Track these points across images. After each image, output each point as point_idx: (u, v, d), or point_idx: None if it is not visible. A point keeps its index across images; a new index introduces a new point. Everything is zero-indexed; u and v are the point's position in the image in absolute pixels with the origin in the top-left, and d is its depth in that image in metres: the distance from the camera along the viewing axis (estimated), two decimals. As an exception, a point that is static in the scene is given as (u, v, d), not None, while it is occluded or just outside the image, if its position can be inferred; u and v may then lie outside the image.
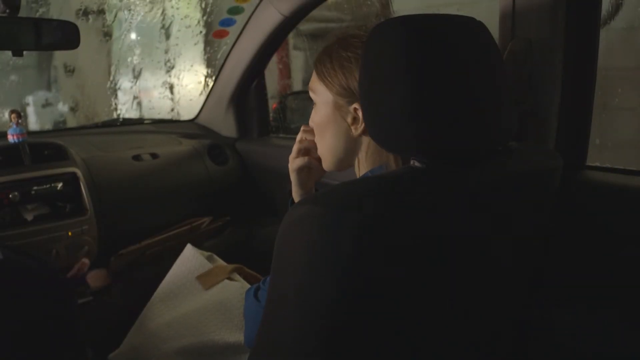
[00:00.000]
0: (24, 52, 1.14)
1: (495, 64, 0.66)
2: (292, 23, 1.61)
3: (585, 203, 0.91)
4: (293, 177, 0.88)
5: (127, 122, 2.05)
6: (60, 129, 1.77)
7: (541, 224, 0.79)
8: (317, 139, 0.83)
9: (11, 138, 1.35)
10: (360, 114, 0.73)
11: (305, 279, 0.55)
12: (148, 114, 3.66)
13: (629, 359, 0.85)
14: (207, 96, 1.97)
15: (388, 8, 2.60)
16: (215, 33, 2.01)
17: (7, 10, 1.05)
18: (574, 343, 0.90)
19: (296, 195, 0.91)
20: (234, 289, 1.13)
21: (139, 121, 2.11)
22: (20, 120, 1.36)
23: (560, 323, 0.92)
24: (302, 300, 0.56)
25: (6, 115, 1.37)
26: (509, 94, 0.68)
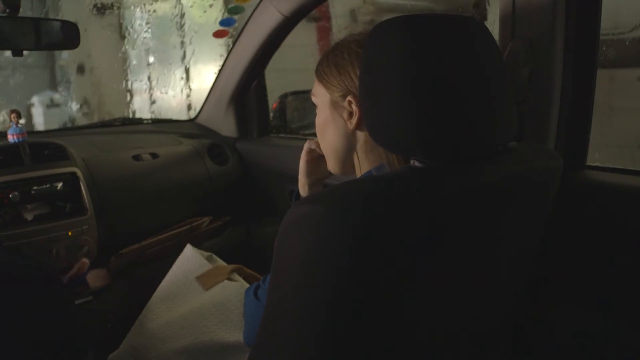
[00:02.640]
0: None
1: (496, 64, 0.66)
2: (292, 23, 1.61)
3: (585, 203, 0.91)
4: (302, 162, 0.93)
5: (127, 121, 2.05)
6: (60, 128, 1.77)
7: (541, 223, 0.79)
8: (320, 141, 0.85)
9: (11, 138, 1.35)
10: (354, 106, 0.74)
11: (304, 278, 0.55)
12: (165, 114, 3.59)
13: (629, 359, 0.85)
14: (207, 96, 1.97)
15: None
16: (215, 33, 2.01)
17: (7, 10, 1.05)
18: (574, 343, 0.90)
19: (301, 187, 0.95)
20: (234, 289, 1.12)
21: (139, 121, 2.11)
22: (20, 120, 1.36)
23: (560, 323, 0.92)
24: (301, 299, 0.56)
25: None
26: (509, 94, 0.68)
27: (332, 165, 0.84)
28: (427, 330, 0.66)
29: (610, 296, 0.89)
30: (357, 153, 0.79)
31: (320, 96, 0.81)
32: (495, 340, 0.83)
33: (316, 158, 0.92)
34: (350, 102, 0.75)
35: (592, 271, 0.91)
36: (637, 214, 0.85)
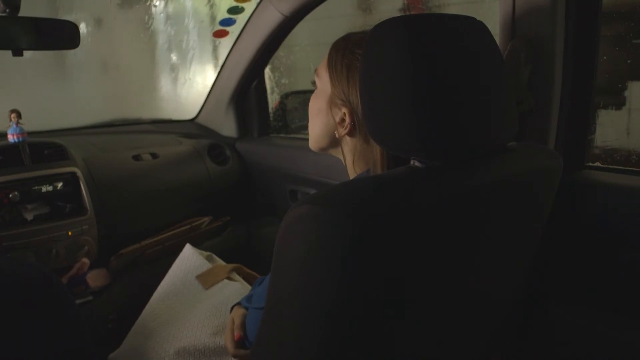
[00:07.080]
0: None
1: (495, 64, 0.66)
2: (292, 23, 1.61)
3: (585, 203, 0.91)
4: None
5: (127, 122, 2.05)
6: (60, 128, 1.77)
7: (541, 223, 0.79)
8: (309, 119, 0.87)
9: (11, 138, 1.35)
10: (348, 118, 0.77)
11: (304, 278, 0.55)
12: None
13: (629, 359, 0.85)
14: (207, 96, 1.97)
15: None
16: (215, 33, 2.01)
17: (7, 10, 1.05)
18: (574, 343, 0.90)
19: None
20: (234, 288, 1.13)
21: (139, 121, 2.11)
22: (20, 120, 1.36)
23: (560, 323, 0.92)
24: (301, 299, 0.56)
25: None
26: (509, 94, 0.68)
27: (312, 144, 0.88)
28: (428, 329, 0.66)
29: (610, 296, 0.89)
30: (343, 153, 0.82)
31: (323, 83, 0.82)
32: (495, 340, 0.83)
33: None
34: (345, 114, 0.77)
35: (592, 271, 0.91)
36: (637, 214, 0.85)
